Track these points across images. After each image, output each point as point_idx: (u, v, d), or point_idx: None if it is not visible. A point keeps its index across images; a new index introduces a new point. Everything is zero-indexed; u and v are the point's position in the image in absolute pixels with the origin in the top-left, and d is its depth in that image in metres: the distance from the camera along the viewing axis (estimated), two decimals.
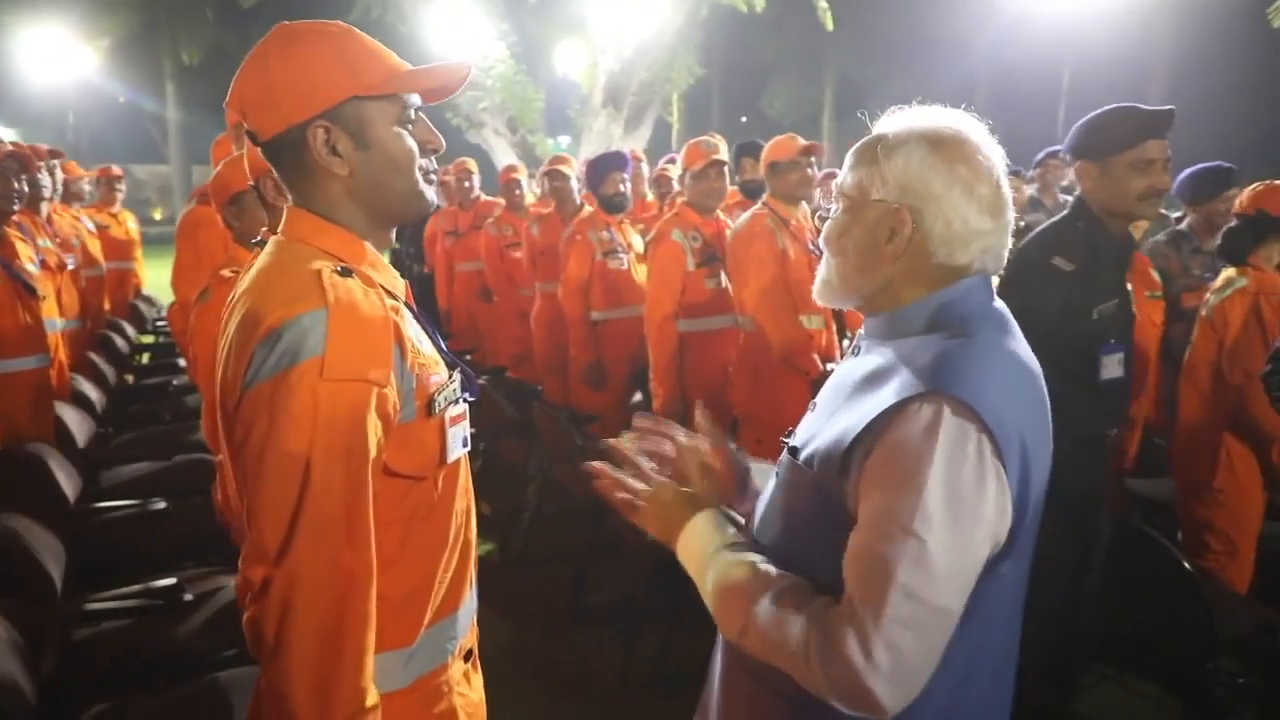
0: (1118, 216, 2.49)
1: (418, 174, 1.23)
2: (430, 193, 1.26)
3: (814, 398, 1.35)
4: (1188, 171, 4.21)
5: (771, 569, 1.17)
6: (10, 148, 3.10)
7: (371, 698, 1.13)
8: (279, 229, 1.24)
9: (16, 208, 3.25)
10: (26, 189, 3.32)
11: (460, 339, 6.26)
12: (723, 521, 1.27)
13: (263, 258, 1.22)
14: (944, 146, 1.18)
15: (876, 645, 1.02)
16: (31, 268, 3.47)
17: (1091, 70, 18.15)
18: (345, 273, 1.15)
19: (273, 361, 1.07)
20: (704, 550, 1.23)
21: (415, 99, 1.23)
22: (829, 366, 3.51)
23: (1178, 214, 5.18)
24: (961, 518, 1.06)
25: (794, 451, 1.26)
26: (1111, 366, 2.52)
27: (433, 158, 1.26)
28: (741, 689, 1.28)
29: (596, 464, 1.37)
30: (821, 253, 1.31)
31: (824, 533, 1.17)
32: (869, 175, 1.21)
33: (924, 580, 1.03)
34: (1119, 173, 2.42)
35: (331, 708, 1.08)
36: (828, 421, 1.22)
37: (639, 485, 1.33)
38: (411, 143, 1.22)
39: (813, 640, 1.07)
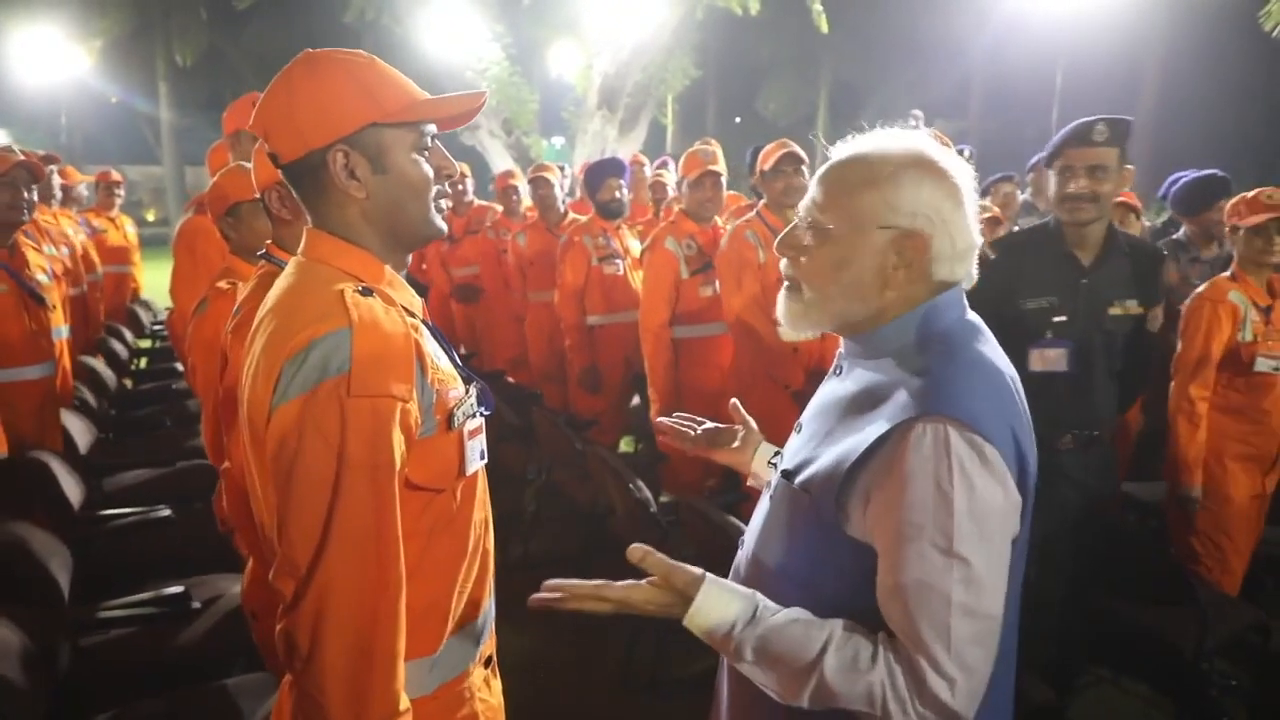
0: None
1: (431, 200, 1.27)
2: (440, 220, 1.30)
3: (800, 411, 1.37)
4: (1180, 183, 4.24)
5: (814, 625, 1.16)
6: (21, 157, 3.10)
7: (404, 702, 1.16)
8: (300, 250, 1.27)
9: (26, 218, 3.25)
10: (36, 199, 3.32)
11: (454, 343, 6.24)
12: (728, 588, 1.22)
13: (284, 278, 1.25)
14: (934, 167, 1.20)
15: (953, 669, 1.08)
16: (43, 277, 3.47)
17: (1085, 72, 18.20)
18: (366, 292, 1.19)
19: (300, 379, 1.11)
20: (732, 624, 1.18)
21: (432, 127, 1.26)
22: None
23: (1148, 221, 5.23)
24: (991, 528, 1.11)
25: (787, 475, 1.28)
26: (1049, 360, 2.58)
27: (446, 183, 1.30)
28: (749, 693, 1.29)
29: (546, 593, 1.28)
30: None
31: (824, 554, 1.22)
32: (873, 202, 1.19)
33: (976, 596, 1.09)
34: (1054, 178, 2.59)
35: (366, 713, 1.12)
36: (820, 445, 1.24)
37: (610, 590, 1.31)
38: (428, 169, 1.26)
39: (898, 684, 1.10)
